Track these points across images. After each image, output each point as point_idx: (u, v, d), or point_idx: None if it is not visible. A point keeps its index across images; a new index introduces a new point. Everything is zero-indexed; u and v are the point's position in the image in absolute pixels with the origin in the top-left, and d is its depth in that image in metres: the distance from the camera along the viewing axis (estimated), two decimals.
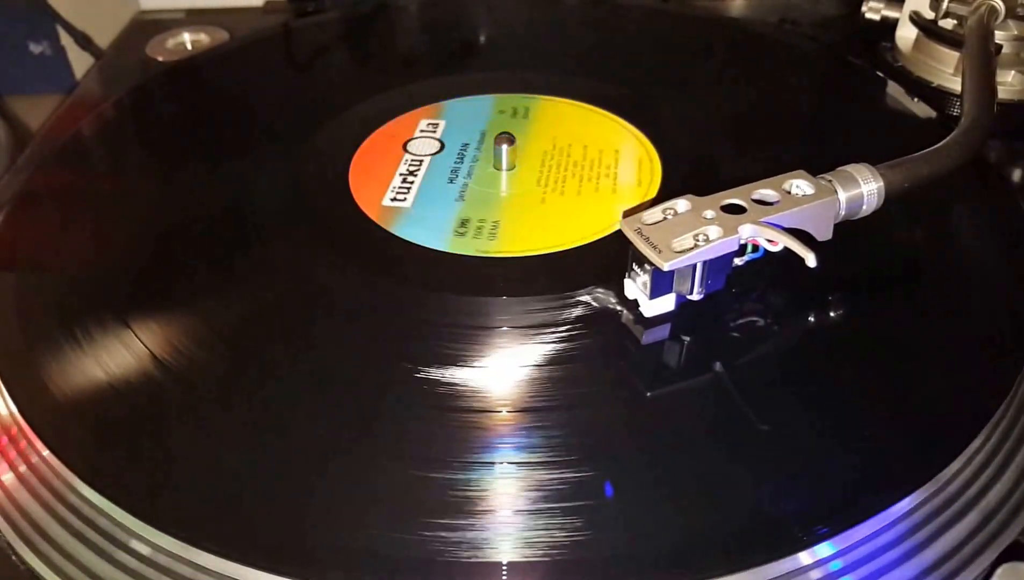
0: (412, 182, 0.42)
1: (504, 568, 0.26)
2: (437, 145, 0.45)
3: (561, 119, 0.47)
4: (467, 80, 0.50)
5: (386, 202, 0.41)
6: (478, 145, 0.45)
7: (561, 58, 0.53)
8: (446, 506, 0.28)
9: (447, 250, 0.38)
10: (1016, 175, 0.46)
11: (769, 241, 0.32)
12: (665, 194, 0.40)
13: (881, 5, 0.56)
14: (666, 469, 0.29)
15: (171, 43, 0.60)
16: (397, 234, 0.39)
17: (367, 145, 0.45)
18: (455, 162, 0.44)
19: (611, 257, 0.35)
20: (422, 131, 0.46)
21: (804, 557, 0.27)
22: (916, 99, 0.48)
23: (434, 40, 0.58)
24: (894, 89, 0.49)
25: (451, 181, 0.43)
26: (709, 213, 0.32)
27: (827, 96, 0.51)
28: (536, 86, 0.49)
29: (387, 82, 0.50)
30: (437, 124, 0.47)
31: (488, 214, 0.40)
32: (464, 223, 0.40)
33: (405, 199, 0.41)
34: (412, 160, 0.44)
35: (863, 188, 0.34)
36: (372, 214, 0.40)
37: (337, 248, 0.38)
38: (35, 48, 0.65)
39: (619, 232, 0.33)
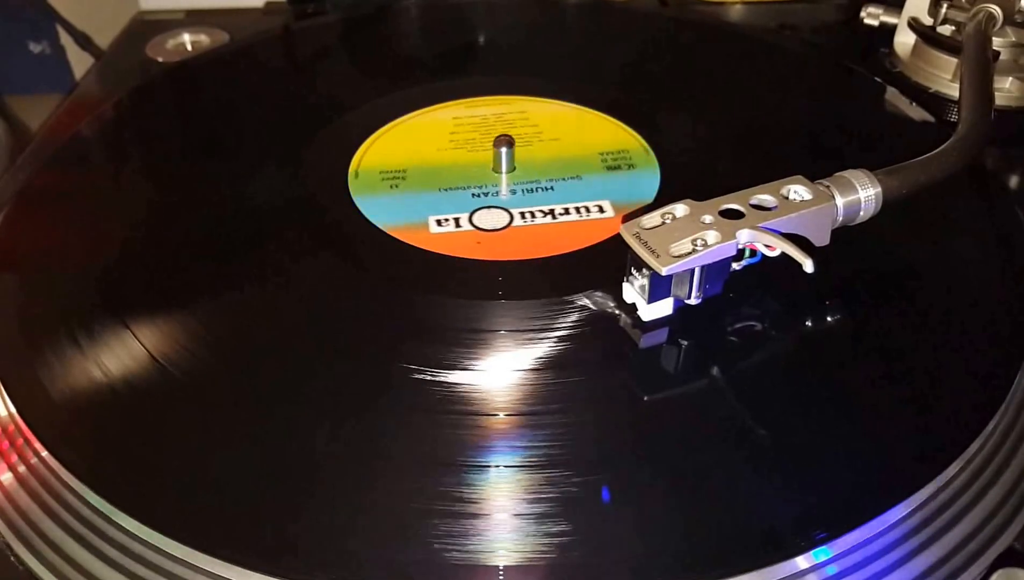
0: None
1: (500, 572, 0.26)
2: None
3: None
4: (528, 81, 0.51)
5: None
6: None
7: (559, 61, 0.54)
8: (442, 509, 0.28)
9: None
10: (1013, 181, 0.46)
11: (767, 246, 0.32)
12: (664, 199, 0.40)
13: (880, 11, 0.56)
14: (663, 473, 0.29)
15: (171, 44, 0.60)
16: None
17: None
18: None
19: (610, 261, 0.35)
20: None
21: (801, 562, 0.27)
22: (914, 104, 0.48)
23: (435, 42, 0.58)
24: (892, 95, 0.49)
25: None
26: (707, 218, 0.32)
27: (825, 101, 0.51)
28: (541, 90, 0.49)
29: (390, 84, 0.51)
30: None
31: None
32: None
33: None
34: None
35: (860, 194, 0.34)
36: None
37: (335, 250, 0.38)
38: (35, 48, 0.65)
39: (618, 236, 0.33)
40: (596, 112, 0.47)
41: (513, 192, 0.42)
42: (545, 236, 0.39)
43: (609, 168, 0.43)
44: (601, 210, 0.40)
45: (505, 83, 0.50)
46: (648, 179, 0.42)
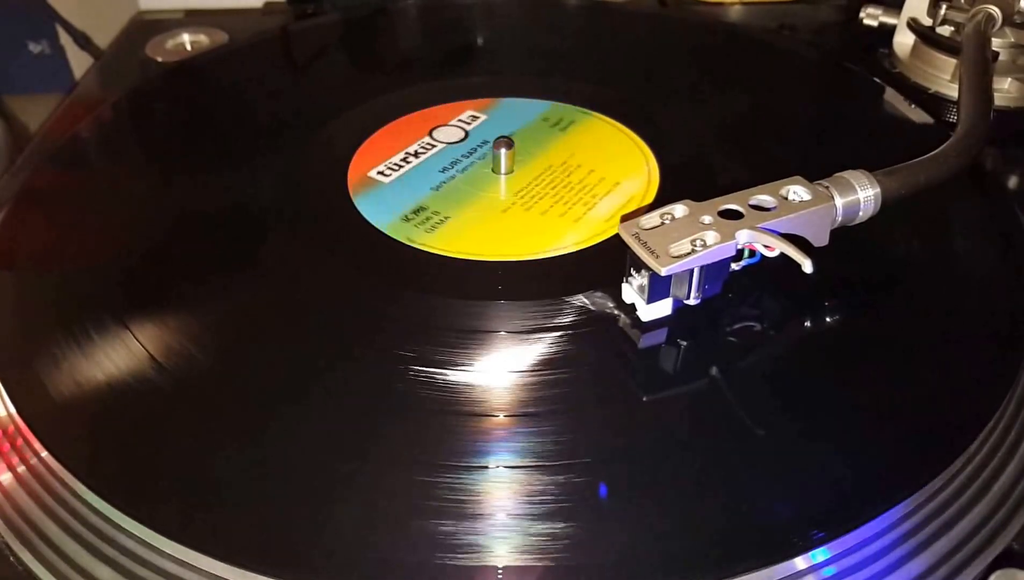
0: (409, 162, 0.43)
1: (499, 572, 0.26)
2: (461, 135, 0.46)
3: (593, 139, 0.46)
4: (525, 81, 0.51)
5: (372, 173, 0.42)
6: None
7: (560, 62, 0.54)
8: (441, 509, 0.28)
9: (384, 230, 0.39)
10: (1012, 182, 0.46)
11: (766, 246, 0.32)
12: (663, 200, 0.40)
13: (879, 12, 0.56)
14: (662, 473, 0.29)
15: (170, 44, 0.60)
16: (356, 204, 0.40)
17: (399, 123, 0.47)
18: (462, 155, 0.44)
19: (610, 261, 0.35)
20: (460, 120, 0.47)
21: (799, 562, 0.27)
22: (913, 105, 0.48)
23: (435, 43, 0.58)
24: (891, 95, 0.49)
25: (443, 171, 0.43)
26: (707, 218, 0.32)
27: (825, 102, 0.51)
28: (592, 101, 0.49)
29: (388, 84, 0.51)
30: (478, 117, 0.47)
31: (445, 209, 0.40)
32: (418, 211, 0.40)
33: (389, 176, 0.42)
34: (427, 143, 0.45)
35: (860, 194, 0.34)
36: (351, 181, 0.41)
37: (335, 250, 0.38)
38: (34, 48, 0.65)
39: (617, 236, 0.33)
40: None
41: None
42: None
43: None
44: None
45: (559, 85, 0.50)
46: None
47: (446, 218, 0.40)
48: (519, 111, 0.48)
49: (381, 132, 0.46)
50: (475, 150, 0.45)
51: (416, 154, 0.44)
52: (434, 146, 0.45)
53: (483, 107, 0.48)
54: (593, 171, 0.43)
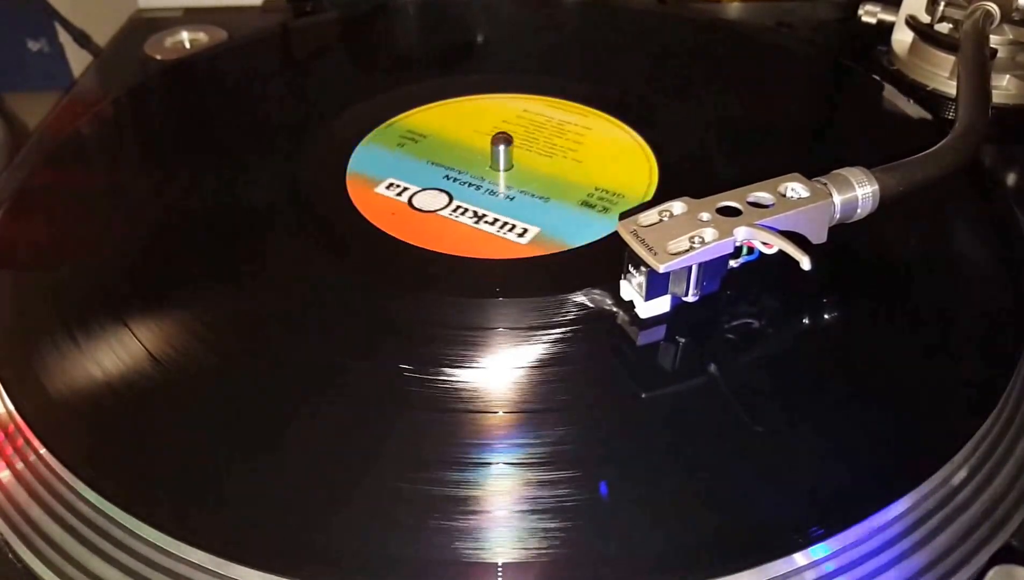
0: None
1: (499, 568, 0.26)
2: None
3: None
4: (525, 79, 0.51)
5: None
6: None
7: (561, 59, 0.54)
8: (441, 506, 0.28)
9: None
10: (1010, 179, 0.46)
11: (764, 243, 0.32)
12: (662, 196, 0.40)
13: (877, 9, 0.56)
14: (661, 470, 0.29)
15: (169, 42, 0.60)
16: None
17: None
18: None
19: (608, 259, 0.35)
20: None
21: (799, 558, 0.27)
22: (911, 102, 0.48)
23: (433, 41, 0.58)
24: (890, 92, 0.49)
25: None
26: (705, 215, 0.33)
27: (823, 99, 0.52)
28: (541, 88, 0.49)
29: (387, 82, 0.51)
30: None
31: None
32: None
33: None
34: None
35: (858, 191, 0.34)
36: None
37: (332, 247, 0.38)
38: (33, 45, 0.65)
39: (615, 234, 0.33)
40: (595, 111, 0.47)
41: (486, 190, 0.42)
42: (454, 234, 0.39)
43: (583, 204, 0.41)
44: (522, 234, 0.39)
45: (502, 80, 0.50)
46: (601, 224, 0.39)
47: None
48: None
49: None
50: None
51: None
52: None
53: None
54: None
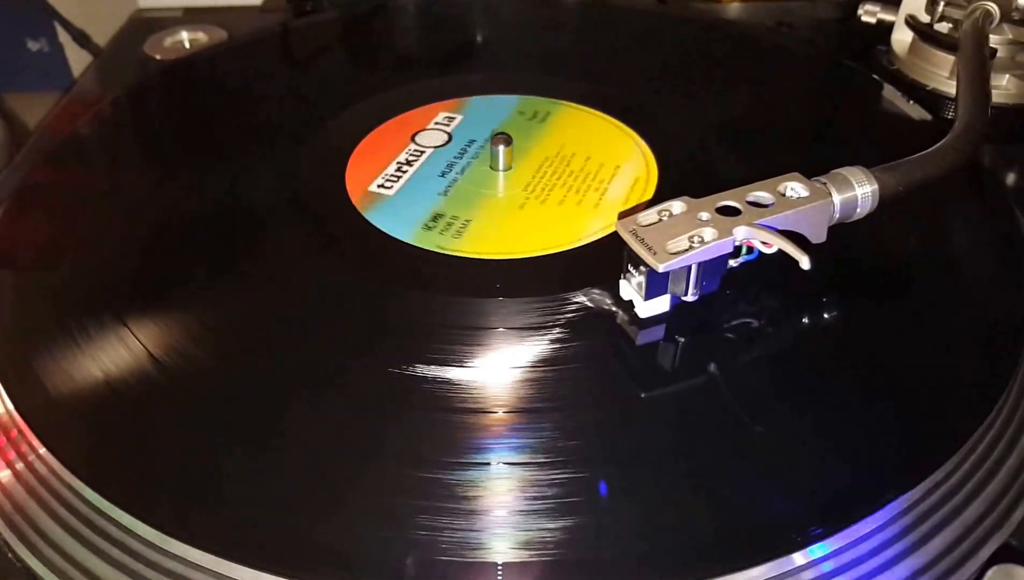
0: (405, 172, 0.43)
1: (499, 568, 0.26)
2: (444, 138, 0.45)
3: (576, 127, 0.46)
4: (495, 78, 0.51)
5: (372, 188, 0.42)
6: (483, 143, 0.45)
7: (588, 65, 0.54)
8: (441, 506, 0.28)
9: (412, 242, 0.38)
10: (1010, 179, 0.46)
11: (763, 243, 0.32)
12: (661, 196, 0.40)
13: (877, 8, 0.56)
14: (660, 470, 0.29)
15: (169, 41, 0.60)
16: (370, 220, 0.40)
17: (376, 134, 0.46)
18: (455, 157, 0.44)
19: (608, 258, 0.35)
20: (436, 123, 0.47)
21: (798, 558, 0.27)
22: (911, 102, 0.48)
23: (445, 39, 0.58)
24: (889, 92, 0.49)
25: (443, 175, 0.43)
26: (704, 215, 0.33)
27: (823, 99, 0.51)
28: (560, 91, 0.49)
29: (387, 81, 0.51)
30: (454, 118, 0.47)
31: (463, 212, 0.40)
32: (436, 218, 0.40)
33: (391, 187, 0.42)
34: (414, 150, 0.45)
35: (857, 191, 0.34)
36: (355, 199, 0.41)
37: (333, 247, 0.38)
38: (33, 45, 0.65)
39: (615, 233, 0.33)
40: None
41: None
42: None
43: None
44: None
45: (529, 80, 0.50)
46: None
47: (467, 221, 0.39)
48: (492, 108, 0.48)
49: (362, 143, 0.45)
50: (465, 150, 0.45)
51: (408, 162, 0.44)
52: (422, 152, 0.44)
53: (455, 108, 0.48)
54: (590, 158, 0.44)
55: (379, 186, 0.42)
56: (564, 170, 0.43)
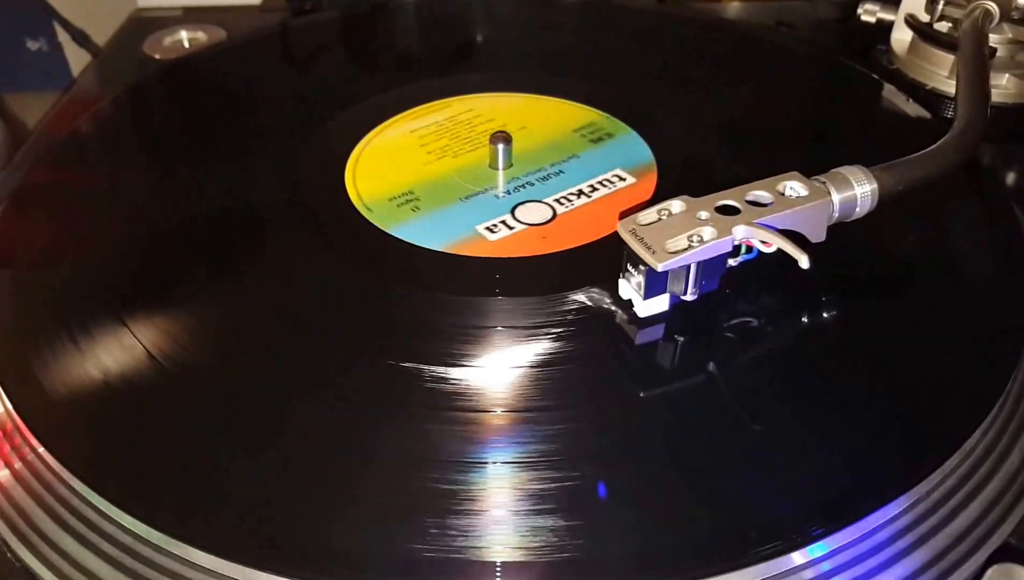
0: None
1: (498, 568, 0.26)
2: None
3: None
4: (495, 78, 0.51)
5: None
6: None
7: (559, 59, 0.54)
8: (440, 506, 0.28)
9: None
10: (1010, 178, 0.46)
11: (763, 242, 0.32)
12: (661, 195, 0.40)
13: (876, 8, 0.56)
14: (659, 469, 0.29)
15: (168, 41, 0.60)
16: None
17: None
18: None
19: (607, 258, 0.35)
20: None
21: (797, 557, 0.27)
22: (911, 101, 0.48)
23: (445, 39, 0.58)
24: (889, 91, 0.49)
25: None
26: (703, 214, 0.32)
27: (822, 98, 0.51)
28: (560, 91, 0.49)
29: (387, 80, 0.51)
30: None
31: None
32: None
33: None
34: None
35: (857, 190, 0.34)
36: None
37: (332, 247, 0.38)
38: (32, 45, 0.65)
39: (615, 233, 0.33)
40: (545, 97, 0.48)
41: (527, 184, 0.42)
42: (592, 215, 0.40)
43: (592, 141, 0.43)
44: (621, 179, 0.41)
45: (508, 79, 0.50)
46: (632, 143, 0.44)
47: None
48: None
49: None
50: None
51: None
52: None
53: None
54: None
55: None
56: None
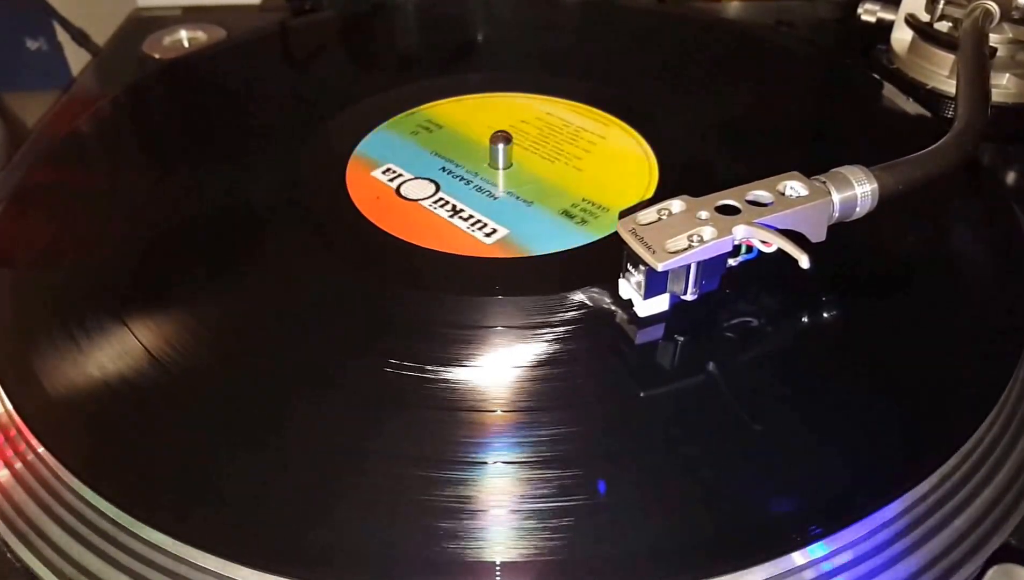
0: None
1: (497, 567, 0.26)
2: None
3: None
4: (495, 78, 0.51)
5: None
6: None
7: (559, 58, 0.54)
8: (439, 505, 0.28)
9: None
10: (1010, 178, 0.46)
11: (763, 242, 0.32)
12: (661, 195, 0.40)
13: (877, 7, 0.56)
14: (659, 469, 0.29)
15: (168, 40, 0.60)
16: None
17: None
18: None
19: (607, 257, 0.35)
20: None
21: (797, 557, 0.27)
22: (911, 101, 0.48)
23: (444, 39, 0.58)
24: (889, 91, 0.49)
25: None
26: (703, 214, 0.32)
27: (822, 98, 0.51)
28: (560, 91, 0.49)
29: (386, 80, 0.51)
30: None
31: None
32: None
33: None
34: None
35: (857, 190, 0.34)
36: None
37: (332, 247, 0.38)
38: (32, 44, 0.65)
39: (615, 233, 0.33)
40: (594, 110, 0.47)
41: (475, 186, 0.42)
42: (427, 224, 0.39)
43: (563, 213, 0.40)
44: (490, 234, 0.39)
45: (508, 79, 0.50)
46: (574, 236, 0.39)
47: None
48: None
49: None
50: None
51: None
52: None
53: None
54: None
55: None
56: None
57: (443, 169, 0.43)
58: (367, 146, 0.45)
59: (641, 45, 0.56)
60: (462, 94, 0.49)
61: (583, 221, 0.40)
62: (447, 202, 0.41)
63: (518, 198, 0.41)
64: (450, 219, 0.40)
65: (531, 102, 0.48)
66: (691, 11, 0.64)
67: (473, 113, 0.47)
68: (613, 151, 0.45)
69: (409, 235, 0.39)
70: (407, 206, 0.40)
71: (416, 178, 0.42)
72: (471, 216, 0.40)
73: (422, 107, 0.48)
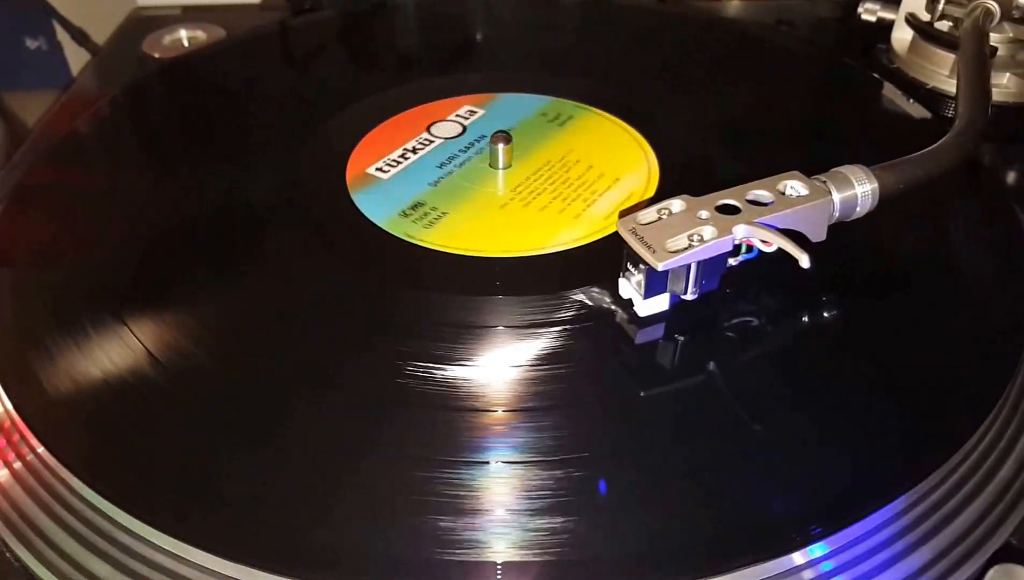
0: (407, 158, 0.44)
1: (498, 568, 0.26)
2: (458, 130, 0.46)
3: (591, 133, 0.46)
4: (495, 78, 0.51)
5: (370, 170, 0.43)
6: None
7: (559, 58, 0.54)
8: (440, 505, 0.28)
9: (382, 226, 0.39)
10: (1010, 178, 0.46)
11: (763, 242, 0.32)
12: (661, 195, 0.40)
13: (877, 7, 0.56)
14: (659, 469, 0.29)
15: (168, 40, 0.60)
16: (355, 200, 0.41)
17: (397, 119, 0.47)
18: (460, 150, 0.44)
19: (607, 257, 0.35)
20: (457, 115, 0.47)
21: (797, 557, 0.27)
22: (911, 100, 0.48)
23: (432, 39, 0.58)
24: (889, 91, 0.49)
25: (441, 166, 0.43)
26: (704, 213, 0.32)
27: (822, 97, 0.51)
28: (561, 91, 0.49)
29: (386, 79, 0.51)
30: (476, 112, 0.47)
31: (443, 204, 0.40)
32: (416, 206, 0.40)
33: (388, 172, 0.42)
34: (424, 138, 0.45)
35: (857, 189, 0.34)
36: (350, 177, 0.41)
37: (332, 247, 0.38)
38: (31, 44, 0.65)
39: (615, 232, 0.33)
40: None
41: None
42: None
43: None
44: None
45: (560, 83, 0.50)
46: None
47: (443, 214, 0.40)
48: (517, 106, 0.48)
49: (379, 128, 0.46)
50: (472, 145, 0.45)
51: (414, 150, 0.44)
52: (432, 141, 0.45)
53: (481, 102, 0.48)
54: (592, 167, 0.43)
55: (377, 169, 0.43)
56: (561, 176, 0.42)
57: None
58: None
59: (641, 45, 0.56)
60: (462, 94, 0.49)
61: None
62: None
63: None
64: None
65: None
66: (691, 11, 0.64)
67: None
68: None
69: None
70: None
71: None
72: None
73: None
